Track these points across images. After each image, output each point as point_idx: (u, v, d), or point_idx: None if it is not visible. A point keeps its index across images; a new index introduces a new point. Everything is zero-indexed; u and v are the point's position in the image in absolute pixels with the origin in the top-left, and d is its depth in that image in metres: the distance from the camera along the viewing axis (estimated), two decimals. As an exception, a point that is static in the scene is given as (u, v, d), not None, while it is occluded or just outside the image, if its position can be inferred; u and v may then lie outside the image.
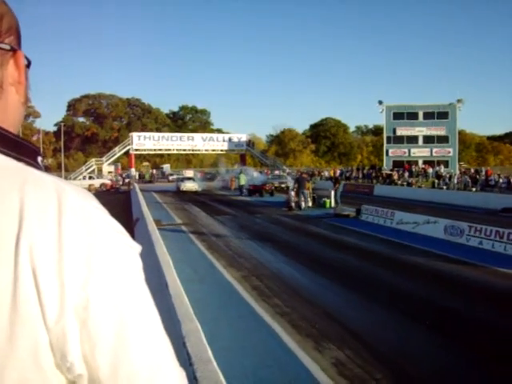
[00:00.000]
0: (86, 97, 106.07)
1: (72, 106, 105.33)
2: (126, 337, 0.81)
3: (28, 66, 1.01)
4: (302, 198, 29.10)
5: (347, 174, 64.10)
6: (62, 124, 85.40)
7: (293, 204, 29.16)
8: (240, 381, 5.88)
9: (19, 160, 0.87)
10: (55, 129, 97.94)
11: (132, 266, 0.86)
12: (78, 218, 0.82)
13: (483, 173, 52.51)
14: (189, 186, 46.72)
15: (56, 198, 0.82)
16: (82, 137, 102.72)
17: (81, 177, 59.22)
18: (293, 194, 29.66)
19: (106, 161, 68.38)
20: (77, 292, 0.78)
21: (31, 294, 0.76)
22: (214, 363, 3.56)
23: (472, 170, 57.91)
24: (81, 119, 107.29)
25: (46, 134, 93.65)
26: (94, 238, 0.82)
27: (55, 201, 0.82)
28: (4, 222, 0.78)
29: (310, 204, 29.80)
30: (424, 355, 7.26)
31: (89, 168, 66.17)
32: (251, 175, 50.83)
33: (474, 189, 45.21)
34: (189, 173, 64.29)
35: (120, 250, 0.85)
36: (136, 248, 0.89)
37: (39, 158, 0.94)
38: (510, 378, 6.53)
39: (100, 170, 66.51)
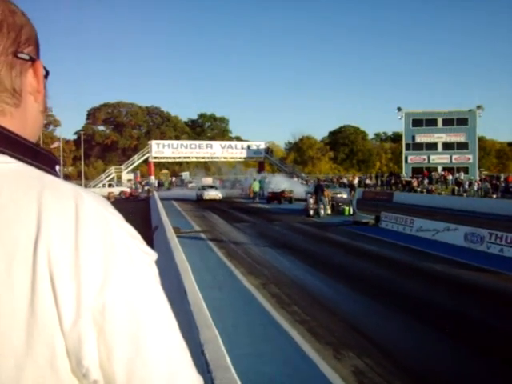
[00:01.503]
0: (106, 105, 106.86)
1: (92, 115, 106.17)
2: (142, 343, 0.81)
3: (46, 76, 1.03)
4: (321, 206, 29.05)
5: (366, 181, 63.86)
6: (82, 132, 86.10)
7: (311, 211, 29.11)
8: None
9: (38, 168, 0.89)
10: (75, 137, 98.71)
11: (148, 271, 0.87)
12: (95, 223, 0.83)
13: (503, 179, 52.02)
14: (212, 194, 44.88)
15: (73, 204, 0.83)
16: (102, 145, 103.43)
17: (100, 185, 59.62)
18: (311, 201, 29.61)
19: (125, 169, 68.70)
20: (93, 297, 0.79)
21: (48, 299, 0.77)
22: (233, 371, 3.55)
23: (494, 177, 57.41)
24: (100, 128, 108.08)
25: (67, 142, 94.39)
26: (111, 243, 0.83)
27: (73, 207, 0.83)
28: (22, 228, 0.79)
29: (329, 211, 29.72)
30: (444, 364, 7.20)
31: (108, 176, 66.51)
32: (276, 181, 50.13)
33: (494, 195, 44.76)
34: (207, 180, 64.36)
35: (136, 255, 0.85)
36: (152, 255, 0.89)
37: (57, 167, 0.96)
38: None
39: (119, 178, 66.83)
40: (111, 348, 0.79)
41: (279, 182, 49.66)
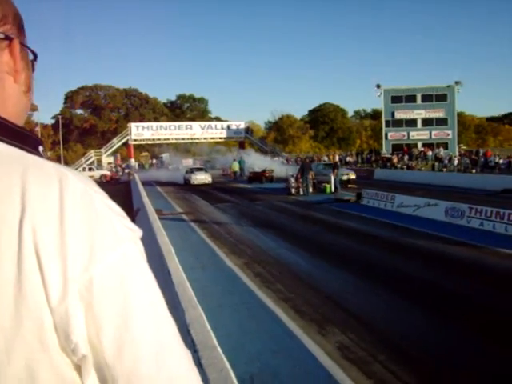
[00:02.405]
0: (83, 88, 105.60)
1: (69, 99, 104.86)
2: (130, 318, 0.81)
3: (35, 58, 1.03)
4: (305, 184, 29.14)
5: (346, 159, 64.05)
6: (60, 117, 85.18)
7: (293, 190, 29.21)
8: (245, 366, 5.92)
9: (20, 148, 0.88)
10: (53, 121, 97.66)
11: (133, 247, 0.87)
12: (80, 201, 0.83)
13: (482, 154, 52.49)
14: (200, 178, 40.25)
15: (57, 183, 0.83)
16: (81, 129, 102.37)
17: (80, 168, 59.17)
18: (292, 180, 29.70)
19: (105, 152, 68.35)
20: (80, 273, 0.79)
21: (35, 276, 0.77)
22: (219, 349, 3.57)
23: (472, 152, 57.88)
24: (79, 111, 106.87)
25: (45, 127, 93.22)
26: (96, 220, 0.83)
27: (57, 185, 0.83)
28: (7, 206, 0.79)
29: (311, 190, 29.81)
30: (426, 336, 7.31)
31: (88, 160, 66.15)
32: (252, 161, 50.15)
33: (473, 170, 45.20)
34: (188, 161, 64.01)
35: (121, 232, 0.86)
36: (137, 231, 0.89)
37: (40, 148, 0.95)
38: (505, 358, 6.58)
39: (99, 162, 66.50)
40: (99, 323, 0.80)
41: (257, 161, 49.69)
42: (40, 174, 0.84)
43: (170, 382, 0.83)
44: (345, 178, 35.44)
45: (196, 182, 39.51)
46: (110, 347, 0.80)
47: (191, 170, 42.91)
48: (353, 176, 37.00)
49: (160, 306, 0.87)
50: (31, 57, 1.03)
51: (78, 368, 0.81)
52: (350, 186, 32.35)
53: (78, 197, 0.83)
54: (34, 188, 0.81)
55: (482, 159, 49.43)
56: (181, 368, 0.86)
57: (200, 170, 43.77)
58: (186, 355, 0.88)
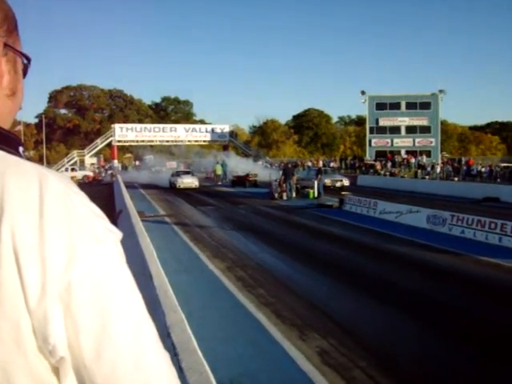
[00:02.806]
0: (68, 88, 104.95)
1: (53, 98, 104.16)
2: (109, 320, 0.81)
3: (28, 62, 1.03)
4: (288, 189, 29.21)
5: (330, 165, 64.24)
6: (43, 116, 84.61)
7: (276, 194, 29.26)
8: (225, 371, 5.90)
9: (1, 149, 0.87)
10: (36, 121, 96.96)
11: (113, 249, 0.87)
12: (59, 202, 0.83)
13: (465, 162, 52.90)
14: (187, 182, 38.38)
15: (37, 183, 0.83)
16: (64, 129, 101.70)
17: (63, 169, 58.77)
18: (276, 184, 29.76)
19: (88, 153, 68.01)
20: (58, 275, 0.79)
21: (13, 278, 0.77)
22: (200, 353, 3.57)
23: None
24: (62, 111, 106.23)
25: (27, 126, 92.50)
26: (75, 222, 0.83)
27: (36, 185, 0.83)
28: None
29: (294, 195, 29.86)
30: (407, 343, 7.35)
31: (71, 160, 65.73)
32: (235, 164, 50.08)
33: (456, 178, 45.56)
34: (171, 164, 63.78)
35: (101, 233, 0.85)
36: (116, 233, 0.89)
37: (20, 148, 0.94)
38: (482, 360, 6.62)
39: (82, 162, 66.11)
40: (78, 325, 0.79)
41: (239, 164, 49.62)
42: (20, 174, 0.83)
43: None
44: (338, 184, 35.17)
45: (182, 186, 37.72)
46: (89, 350, 0.79)
47: (177, 173, 40.83)
48: (346, 183, 36.49)
49: (139, 308, 0.87)
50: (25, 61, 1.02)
51: (56, 370, 0.80)
52: (343, 193, 30.32)
53: (57, 198, 0.83)
54: (13, 189, 0.81)
55: (465, 167, 49.82)
56: (159, 371, 0.85)
57: (187, 173, 41.49)
58: (164, 358, 0.87)
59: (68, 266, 0.80)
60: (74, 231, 0.82)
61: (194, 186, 38.10)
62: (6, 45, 0.95)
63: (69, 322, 0.79)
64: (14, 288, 0.77)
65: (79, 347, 0.79)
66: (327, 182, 34.40)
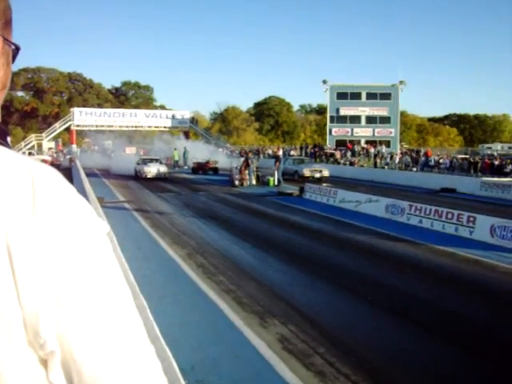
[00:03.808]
0: (25, 70, 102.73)
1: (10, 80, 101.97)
2: (99, 313, 0.81)
3: (17, 51, 1.00)
4: (247, 176, 29.28)
5: (290, 153, 64.42)
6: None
7: (237, 182, 29.29)
8: (187, 357, 5.91)
9: None
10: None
11: (101, 242, 0.86)
12: (51, 197, 0.83)
13: (423, 153, 53.67)
14: (155, 171, 34.18)
15: (30, 176, 0.82)
16: (21, 112, 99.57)
17: (20, 153, 57.56)
18: (236, 171, 29.79)
19: (46, 137, 66.76)
20: (50, 269, 0.78)
21: (6, 272, 0.76)
22: (162, 340, 3.56)
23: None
24: (19, 93, 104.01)
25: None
26: (67, 215, 0.83)
27: (29, 178, 0.82)
28: None
29: (254, 182, 29.94)
30: (364, 328, 7.49)
31: (28, 144, 64.48)
32: (196, 151, 49.62)
33: (414, 169, 46.22)
34: (131, 150, 63.11)
35: (91, 227, 0.86)
36: (104, 226, 0.90)
37: (8, 138, 0.94)
38: (435, 344, 6.78)
39: (40, 147, 64.91)
40: (68, 319, 0.79)
41: (201, 151, 49.23)
42: (9, 166, 0.83)
43: (135, 377, 0.83)
44: (317, 175, 33.07)
45: (150, 176, 33.56)
46: (78, 343, 0.79)
47: (143, 161, 36.29)
48: (326, 173, 33.88)
49: (128, 303, 0.87)
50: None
51: (45, 362, 0.80)
52: (324, 184, 27.41)
53: (49, 191, 0.83)
54: (4, 182, 0.80)
55: (423, 158, 50.52)
56: (147, 364, 0.86)
57: (154, 160, 36.62)
58: (151, 351, 0.88)
59: (59, 261, 0.79)
60: (66, 225, 0.82)
61: (163, 175, 34.14)
62: (4, 39, 0.93)
63: (59, 316, 0.79)
64: (7, 283, 0.76)
65: (69, 340, 0.79)
66: (306, 172, 33.06)
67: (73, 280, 0.80)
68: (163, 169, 34.81)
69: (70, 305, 0.79)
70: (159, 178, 33.40)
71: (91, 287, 0.81)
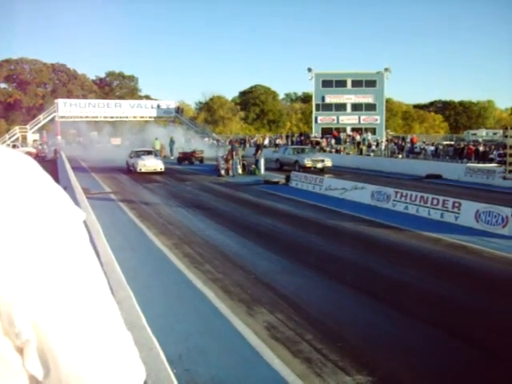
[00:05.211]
0: (8, 61, 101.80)
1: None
2: (73, 301, 0.81)
3: None
4: (233, 166, 29.27)
5: (276, 141, 64.36)
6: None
7: (223, 171, 29.26)
8: (174, 347, 5.93)
9: None
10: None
11: (77, 232, 0.87)
12: (24, 185, 0.83)
13: (409, 140, 53.87)
14: (150, 164, 30.96)
15: (4, 164, 0.83)
16: (4, 104, 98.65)
17: (4, 146, 57.15)
18: (222, 161, 29.75)
19: (31, 129, 66.26)
20: (23, 257, 0.78)
21: None
22: (149, 330, 3.58)
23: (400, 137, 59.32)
24: (2, 85, 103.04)
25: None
26: (43, 203, 0.83)
27: (3, 167, 0.82)
28: None
29: (240, 171, 29.93)
30: (351, 315, 7.54)
31: (12, 136, 63.95)
32: (179, 142, 49.49)
33: (400, 156, 46.37)
34: (116, 140, 62.80)
35: (65, 216, 0.86)
36: (80, 214, 0.89)
37: None
38: (428, 333, 6.84)
39: (24, 139, 64.41)
40: (42, 307, 0.79)
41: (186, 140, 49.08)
42: None
43: (110, 364, 0.83)
44: (319, 165, 31.38)
45: (144, 170, 30.43)
46: (52, 331, 0.79)
47: (137, 154, 32.80)
48: (329, 163, 32.20)
49: (103, 290, 0.87)
50: None
51: (20, 350, 0.80)
52: (326, 175, 26.10)
53: (24, 179, 0.83)
54: None
55: (409, 145, 50.72)
56: (122, 350, 0.86)
57: (148, 153, 33.78)
58: (127, 338, 0.88)
59: (32, 249, 0.79)
60: (41, 213, 0.82)
61: (158, 169, 30.86)
62: None
63: (33, 304, 0.79)
64: None
65: (44, 328, 0.79)
66: (307, 162, 31.07)
67: (45, 267, 0.80)
68: (158, 162, 31.63)
69: (42, 292, 0.79)
70: (155, 172, 30.55)
71: (64, 274, 0.81)
